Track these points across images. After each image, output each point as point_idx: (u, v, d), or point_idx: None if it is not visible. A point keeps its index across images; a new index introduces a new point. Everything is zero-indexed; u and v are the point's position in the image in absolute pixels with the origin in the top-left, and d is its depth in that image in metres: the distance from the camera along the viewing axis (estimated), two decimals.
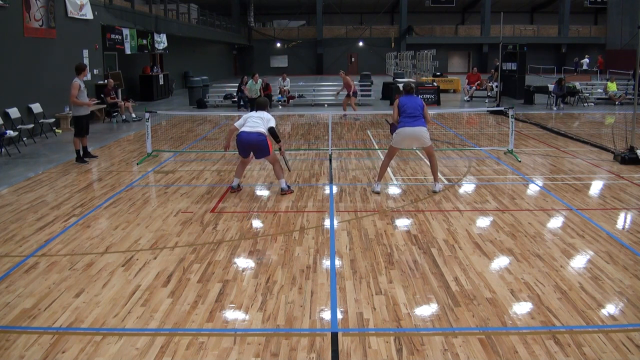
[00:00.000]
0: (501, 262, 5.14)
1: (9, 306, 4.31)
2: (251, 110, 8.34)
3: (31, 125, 12.35)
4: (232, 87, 21.72)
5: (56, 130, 13.54)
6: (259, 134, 7.27)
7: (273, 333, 3.88)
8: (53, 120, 13.45)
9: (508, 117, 11.13)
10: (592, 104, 20.33)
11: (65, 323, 4.03)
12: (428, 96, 20.39)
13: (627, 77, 24.85)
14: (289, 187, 7.66)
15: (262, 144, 7.28)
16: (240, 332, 3.91)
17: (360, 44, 50.48)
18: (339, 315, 4.11)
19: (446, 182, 8.22)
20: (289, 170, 7.67)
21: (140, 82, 23.19)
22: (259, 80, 17.61)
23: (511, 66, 21.54)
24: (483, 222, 6.38)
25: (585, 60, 42.00)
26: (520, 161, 9.72)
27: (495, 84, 20.73)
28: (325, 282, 4.71)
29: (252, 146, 7.34)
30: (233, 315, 4.15)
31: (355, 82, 17.87)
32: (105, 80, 16.67)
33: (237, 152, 7.71)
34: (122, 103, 16.21)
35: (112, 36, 18.79)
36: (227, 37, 40.71)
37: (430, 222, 6.31)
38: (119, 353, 3.63)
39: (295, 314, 4.14)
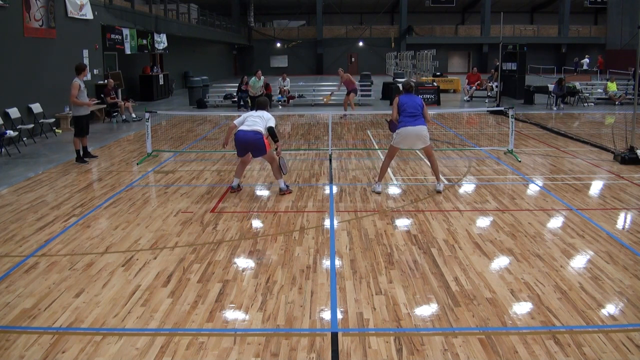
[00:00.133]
0: (501, 262, 5.14)
1: (9, 306, 4.32)
2: (252, 109, 8.31)
3: (31, 125, 12.35)
4: (232, 87, 21.72)
5: (56, 130, 13.55)
6: (256, 132, 7.27)
7: (273, 333, 3.88)
8: (53, 120, 13.45)
9: (508, 117, 11.14)
10: (592, 104, 20.34)
11: (65, 323, 4.03)
12: (428, 96, 20.39)
13: (627, 77, 24.86)
14: (287, 187, 7.66)
15: (259, 143, 7.28)
16: (240, 332, 3.91)
17: (360, 44, 50.49)
18: (339, 315, 4.11)
19: (446, 182, 8.22)
20: (284, 174, 7.66)
21: (140, 82, 23.20)
22: (262, 78, 17.51)
23: (511, 66, 21.54)
24: (483, 222, 6.38)
25: (586, 60, 42.00)
26: (520, 161, 9.72)
27: (495, 84, 20.73)
28: (325, 282, 4.71)
29: (249, 145, 7.34)
30: (233, 315, 4.15)
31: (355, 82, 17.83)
32: (105, 80, 16.67)
33: (236, 153, 7.72)
34: (122, 103, 16.21)
35: (112, 36, 18.79)
36: (227, 37, 40.72)
37: (430, 222, 6.31)
38: (119, 353, 3.63)
39: (295, 314, 4.14)
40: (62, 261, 5.25)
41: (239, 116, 7.76)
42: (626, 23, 36.69)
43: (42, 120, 12.93)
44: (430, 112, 8.69)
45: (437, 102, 20.84)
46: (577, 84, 21.05)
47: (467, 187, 8.01)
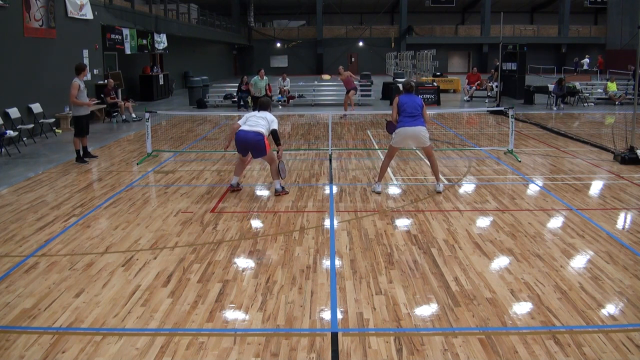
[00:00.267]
0: (501, 262, 5.14)
1: (9, 306, 4.32)
2: (254, 110, 8.30)
3: (31, 125, 12.35)
4: (232, 87, 21.72)
5: (56, 130, 13.55)
6: (257, 133, 7.27)
7: (273, 333, 3.88)
8: (53, 120, 13.45)
9: (508, 117, 11.14)
10: (592, 104, 20.34)
11: (65, 323, 4.03)
12: (428, 96, 20.39)
13: (627, 77, 24.85)
14: (282, 188, 7.65)
15: (259, 144, 7.28)
16: (240, 332, 3.91)
17: (360, 44, 50.49)
18: (339, 315, 4.11)
19: (446, 182, 8.22)
20: (282, 178, 7.67)
21: (140, 82, 23.20)
22: (265, 77, 17.24)
23: (511, 66, 21.54)
24: (483, 222, 6.38)
25: (586, 60, 42.00)
26: (520, 161, 9.72)
27: (495, 84, 20.73)
28: (325, 282, 4.71)
29: (249, 145, 7.34)
30: (233, 315, 4.15)
31: (355, 82, 17.80)
32: (105, 80, 16.67)
33: (236, 152, 7.72)
34: (122, 103, 16.21)
35: (112, 36, 18.79)
36: (227, 37, 40.72)
37: (430, 222, 6.31)
38: (119, 353, 3.63)
39: (295, 314, 4.14)
40: (62, 261, 5.25)
41: (239, 117, 7.77)
42: (626, 23, 36.68)
43: (42, 120, 12.93)
44: (430, 112, 8.70)
45: (437, 102, 20.84)
46: (577, 84, 21.05)
47: (467, 187, 8.01)
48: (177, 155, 10.71)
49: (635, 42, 10.38)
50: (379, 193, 7.60)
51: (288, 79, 21.39)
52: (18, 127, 11.76)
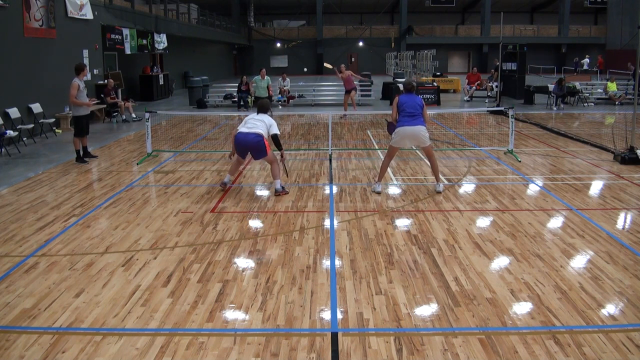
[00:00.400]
0: (501, 262, 5.14)
1: (9, 306, 4.31)
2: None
3: (31, 125, 12.35)
4: (232, 87, 21.72)
5: (56, 130, 13.55)
6: (256, 134, 7.28)
7: (273, 333, 3.88)
8: (53, 120, 13.45)
9: (508, 117, 11.13)
10: (592, 104, 20.34)
11: (65, 323, 4.03)
12: (428, 96, 20.39)
13: (627, 77, 24.86)
14: (282, 188, 7.65)
15: (260, 145, 7.29)
16: (240, 332, 3.91)
17: (360, 44, 50.49)
18: (339, 315, 4.11)
19: (446, 182, 8.22)
20: (287, 177, 7.69)
21: (140, 82, 23.20)
22: (266, 77, 16.95)
23: (511, 66, 21.54)
24: (483, 222, 6.38)
25: (586, 60, 42.01)
26: (520, 161, 9.72)
27: (495, 84, 20.73)
28: (325, 282, 4.71)
29: (249, 147, 7.35)
30: (233, 315, 4.15)
31: (355, 82, 17.77)
32: (105, 80, 16.67)
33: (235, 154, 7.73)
34: (122, 103, 16.21)
35: (112, 36, 18.79)
36: (227, 37, 40.71)
37: (430, 222, 6.31)
38: (119, 353, 3.63)
39: (295, 314, 4.14)
40: (62, 261, 5.25)
41: (239, 117, 7.78)
42: (626, 23, 36.69)
43: (42, 120, 12.93)
44: (430, 112, 8.70)
45: (437, 102, 20.84)
46: (577, 84, 21.05)
47: (467, 187, 8.01)
48: (177, 155, 10.71)
49: (635, 42, 10.38)
50: (379, 193, 7.60)
51: (288, 79, 21.40)
52: (18, 127, 11.76)
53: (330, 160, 9.98)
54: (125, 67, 21.69)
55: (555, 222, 6.33)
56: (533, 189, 7.93)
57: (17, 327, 3.99)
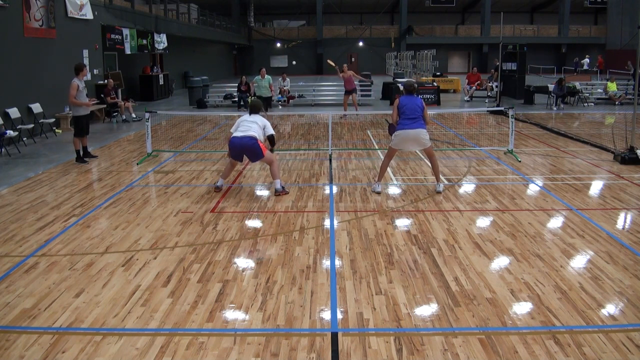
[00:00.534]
0: (501, 262, 5.14)
1: (9, 306, 4.31)
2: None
3: (31, 125, 12.35)
4: (232, 87, 21.72)
5: (56, 130, 13.55)
6: (251, 137, 7.29)
7: (273, 333, 3.88)
8: (53, 120, 13.45)
9: (508, 117, 11.14)
10: (592, 104, 20.34)
11: (65, 323, 4.03)
12: (428, 96, 20.39)
13: (627, 77, 24.85)
14: (283, 188, 7.65)
15: (255, 148, 7.31)
16: (240, 332, 3.91)
17: (360, 44, 50.48)
18: (339, 315, 4.11)
19: (446, 182, 8.22)
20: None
21: (140, 82, 23.20)
22: (267, 76, 16.77)
23: (511, 66, 21.54)
24: (483, 222, 6.38)
25: (586, 60, 41.99)
26: (520, 161, 9.72)
27: (495, 84, 20.73)
28: (325, 282, 4.71)
29: (245, 150, 7.37)
30: (233, 315, 4.15)
31: (355, 82, 17.75)
32: (105, 80, 16.67)
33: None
34: (122, 103, 16.21)
35: (112, 36, 18.79)
36: (227, 37, 40.72)
37: (430, 222, 6.31)
38: (119, 353, 3.63)
39: (295, 314, 4.14)
40: (62, 261, 5.25)
41: (239, 117, 7.79)
42: (626, 23, 36.69)
43: (42, 120, 12.93)
44: (430, 112, 8.70)
45: (437, 102, 20.84)
46: (577, 84, 21.05)
47: (467, 187, 8.01)
48: (177, 155, 10.71)
49: (635, 42, 10.38)
50: (379, 193, 7.60)
51: (288, 79, 21.39)
52: (18, 127, 11.76)
53: (330, 160, 9.98)
54: (125, 67, 21.69)
55: (555, 222, 6.33)
56: (533, 189, 7.93)
57: (17, 327, 3.99)
